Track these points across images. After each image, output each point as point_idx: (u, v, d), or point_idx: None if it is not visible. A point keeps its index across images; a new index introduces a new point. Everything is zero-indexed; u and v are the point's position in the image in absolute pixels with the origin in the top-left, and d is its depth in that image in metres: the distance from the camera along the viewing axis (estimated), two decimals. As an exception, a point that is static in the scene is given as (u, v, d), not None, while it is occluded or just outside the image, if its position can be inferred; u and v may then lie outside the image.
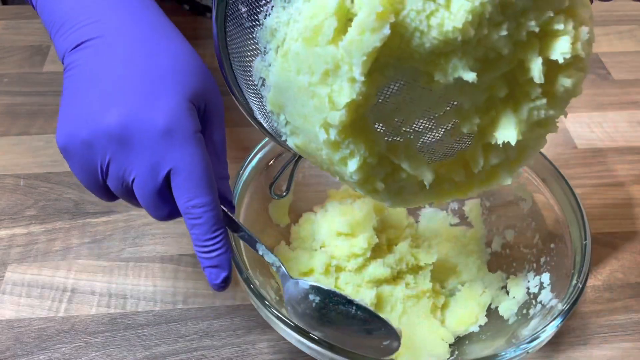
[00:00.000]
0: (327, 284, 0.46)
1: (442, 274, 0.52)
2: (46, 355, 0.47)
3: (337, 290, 0.40)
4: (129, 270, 0.54)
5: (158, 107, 0.35)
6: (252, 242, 0.41)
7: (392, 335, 0.39)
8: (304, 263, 0.48)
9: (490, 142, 0.36)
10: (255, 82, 0.37)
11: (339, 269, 0.47)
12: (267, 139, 0.51)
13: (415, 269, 0.50)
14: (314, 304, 0.40)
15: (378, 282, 0.48)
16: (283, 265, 0.41)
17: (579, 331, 0.50)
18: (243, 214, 0.47)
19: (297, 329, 0.39)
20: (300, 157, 0.44)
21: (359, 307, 0.39)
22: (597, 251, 0.56)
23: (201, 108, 0.38)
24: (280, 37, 0.34)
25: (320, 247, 0.49)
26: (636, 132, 0.70)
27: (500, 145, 0.36)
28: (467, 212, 0.55)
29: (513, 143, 0.34)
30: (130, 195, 0.38)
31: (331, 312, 0.40)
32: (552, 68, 0.33)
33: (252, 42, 0.35)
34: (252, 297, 0.41)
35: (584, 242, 0.44)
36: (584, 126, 0.70)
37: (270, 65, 0.35)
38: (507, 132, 0.35)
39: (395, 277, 0.49)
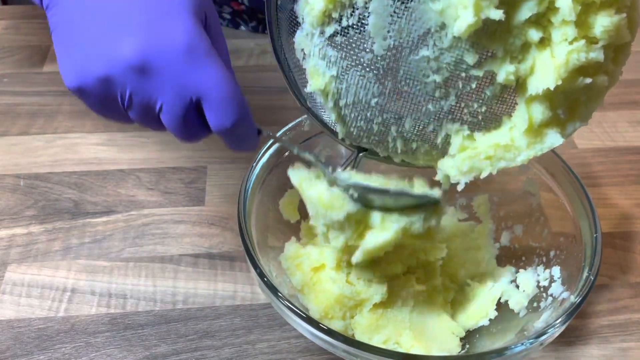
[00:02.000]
0: (337, 278, 0.47)
1: (451, 269, 0.52)
2: (46, 355, 0.47)
3: (371, 185, 0.39)
4: (129, 270, 0.54)
5: (174, 28, 0.34)
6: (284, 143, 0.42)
7: (432, 200, 0.39)
8: (315, 258, 0.48)
9: (532, 94, 0.35)
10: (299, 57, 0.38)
11: (349, 264, 0.48)
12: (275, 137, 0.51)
13: (425, 264, 0.50)
14: (355, 196, 0.39)
15: (389, 277, 0.48)
16: (321, 162, 0.40)
17: (579, 331, 0.50)
18: (254, 210, 0.48)
19: (310, 321, 0.39)
20: (360, 155, 0.44)
21: (397, 193, 0.38)
22: (597, 251, 0.56)
23: (203, 21, 0.36)
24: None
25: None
26: (636, 132, 0.70)
27: (540, 93, 0.35)
28: (475, 207, 0.55)
29: (552, 87, 0.33)
30: (154, 122, 0.37)
31: (373, 199, 0.39)
32: (588, 9, 0.32)
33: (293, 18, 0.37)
34: (265, 291, 0.41)
35: (595, 235, 0.44)
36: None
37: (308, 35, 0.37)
38: (543, 77, 0.34)
39: (406, 272, 0.49)
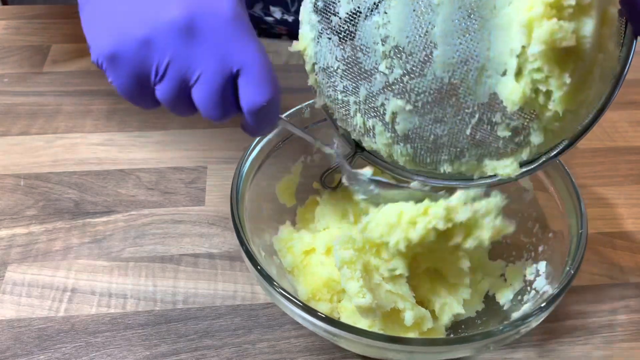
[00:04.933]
0: (327, 262, 0.48)
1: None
2: (46, 355, 0.47)
3: (391, 181, 0.45)
4: (129, 270, 0.54)
5: None
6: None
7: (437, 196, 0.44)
8: (307, 242, 0.49)
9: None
10: None
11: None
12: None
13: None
14: (374, 191, 0.44)
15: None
16: (340, 157, 0.45)
17: (578, 331, 0.50)
18: (251, 191, 0.48)
19: (301, 307, 0.40)
20: (356, 154, 0.46)
21: (416, 189, 0.44)
22: (597, 251, 0.56)
23: None
24: None
25: (324, 229, 0.50)
26: (636, 132, 0.70)
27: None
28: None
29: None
30: (183, 99, 0.35)
31: (386, 195, 0.44)
32: None
33: None
34: (249, 266, 0.42)
35: (580, 232, 0.44)
36: (583, 126, 0.70)
37: None
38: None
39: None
